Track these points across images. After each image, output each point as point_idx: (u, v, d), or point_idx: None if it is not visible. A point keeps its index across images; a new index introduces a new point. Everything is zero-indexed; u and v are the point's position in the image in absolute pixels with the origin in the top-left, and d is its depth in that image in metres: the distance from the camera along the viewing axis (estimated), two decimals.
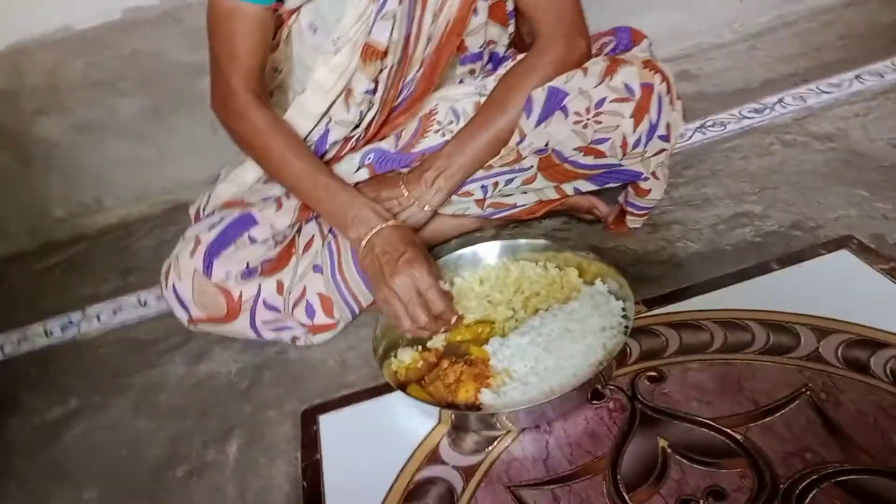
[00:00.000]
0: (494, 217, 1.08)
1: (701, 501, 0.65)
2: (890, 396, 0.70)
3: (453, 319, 0.87)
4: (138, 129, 1.47)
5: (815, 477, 0.64)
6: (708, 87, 1.46)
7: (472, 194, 1.03)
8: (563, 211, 1.10)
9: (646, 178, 0.98)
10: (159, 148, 1.50)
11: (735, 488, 0.65)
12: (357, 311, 1.01)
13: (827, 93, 1.30)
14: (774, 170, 1.11)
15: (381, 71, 0.94)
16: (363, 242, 0.89)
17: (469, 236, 1.14)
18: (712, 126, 1.28)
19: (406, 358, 0.89)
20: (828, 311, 0.82)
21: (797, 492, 0.63)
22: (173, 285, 0.89)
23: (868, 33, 1.50)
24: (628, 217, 1.04)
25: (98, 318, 1.21)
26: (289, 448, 0.83)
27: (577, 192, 1.02)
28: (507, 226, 1.14)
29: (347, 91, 0.94)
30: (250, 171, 1.01)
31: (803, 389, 0.73)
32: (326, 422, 0.86)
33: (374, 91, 0.95)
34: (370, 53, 0.91)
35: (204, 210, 1.02)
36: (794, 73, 1.41)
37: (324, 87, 0.94)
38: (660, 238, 1.02)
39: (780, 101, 1.31)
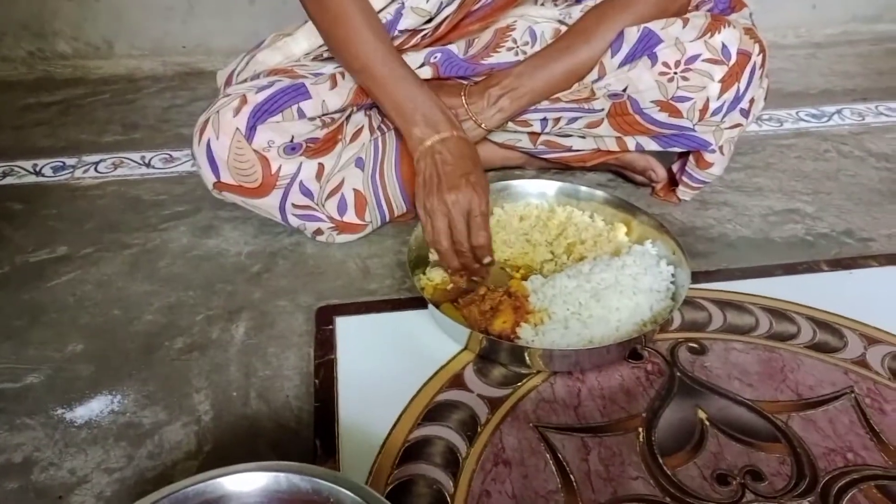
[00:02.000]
0: (543, 157, 1.03)
1: (738, 479, 0.62)
2: None
3: (486, 259, 0.81)
4: None
5: (855, 476, 0.62)
6: None
7: (530, 125, 0.97)
8: (613, 166, 1.05)
9: (713, 150, 0.94)
10: (189, 2, 1.37)
11: (773, 472, 0.63)
12: (387, 218, 0.95)
13: (886, 115, 1.28)
14: (829, 175, 1.09)
15: None
16: (426, 143, 0.81)
17: (507, 172, 1.09)
18: (768, 120, 1.25)
19: (436, 277, 0.84)
20: (874, 321, 0.80)
21: (837, 488, 0.61)
22: (208, 142, 0.80)
23: None
24: (680, 188, 1.01)
25: (96, 168, 1.11)
26: (300, 342, 0.77)
27: (639, 148, 0.97)
28: (549, 171, 1.09)
29: None
30: (302, 42, 0.92)
31: (848, 390, 0.71)
32: (343, 324, 0.80)
33: None
34: None
35: (238, 75, 0.93)
36: (853, 89, 1.38)
37: None
38: (709, 216, 0.99)
39: (839, 112, 1.28)
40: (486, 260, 0.81)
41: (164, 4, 1.37)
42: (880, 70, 1.47)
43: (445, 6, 0.90)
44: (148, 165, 1.12)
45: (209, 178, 0.83)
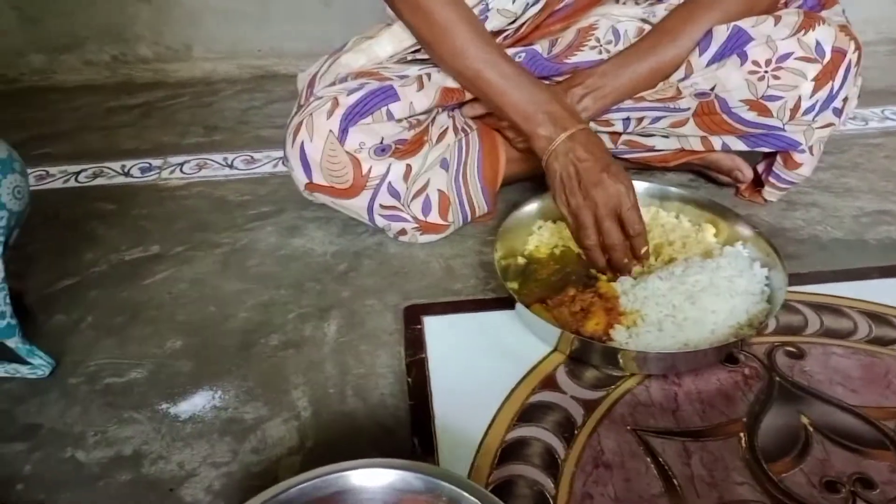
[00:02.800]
0: (624, 156, 1.02)
1: (848, 486, 0.61)
2: None
3: (643, 250, 0.81)
4: None
5: None
6: None
7: (612, 125, 0.96)
8: (696, 166, 1.04)
9: (802, 150, 0.92)
10: (263, 6, 1.41)
11: (885, 481, 0.61)
12: (469, 218, 0.95)
13: None
14: None
15: None
16: (555, 142, 0.80)
17: None
18: (853, 119, 1.22)
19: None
20: None
21: None
22: (302, 143, 0.82)
23: None
24: (767, 188, 0.98)
25: (181, 169, 1.15)
26: (391, 341, 0.78)
27: (725, 148, 0.95)
28: (629, 171, 1.07)
29: None
30: (386, 46, 0.93)
31: None
32: (431, 323, 0.81)
33: None
34: None
35: (321, 78, 0.95)
36: None
37: None
38: (798, 217, 0.97)
39: None
40: (644, 250, 0.81)
41: (239, 9, 1.40)
42: None
43: (531, 6, 0.90)
44: (231, 166, 1.15)
45: (301, 179, 0.85)
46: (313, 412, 0.70)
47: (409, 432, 0.67)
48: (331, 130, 0.81)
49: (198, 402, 0.73)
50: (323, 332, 0.80)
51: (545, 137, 0.81)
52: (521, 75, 0.83)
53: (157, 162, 1.17)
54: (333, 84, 0.89)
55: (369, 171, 0.83)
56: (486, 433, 0.67)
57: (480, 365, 0.75)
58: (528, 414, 0.69)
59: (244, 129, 1.27)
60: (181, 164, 1.16)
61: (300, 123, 0.83)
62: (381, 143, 0.83)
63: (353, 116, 0.81)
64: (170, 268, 0.92)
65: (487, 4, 0.89)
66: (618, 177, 0.78)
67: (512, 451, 0.65)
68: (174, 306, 0.85)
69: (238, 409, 0.71)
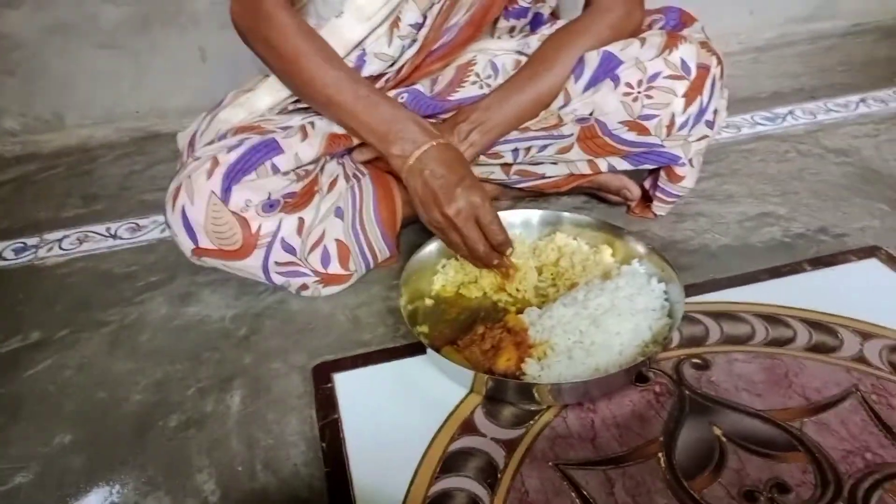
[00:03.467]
0: (518, 186, 1.03)
1: (765, 493, 0.62)
2: None
3: (509, 251, 0.84)
4: (118, 40, 1.32)
5: (878, 477, 0.63)
6: None
7: (502, 157, 0.97)
8: (586, 189, 1.06)
9: (683, 164, 0.95)
10: (138, 66, 1.35)
11: (798, 483, 0.63)
12: (371, 265, 0.93)
13: (835, 111, 1.32)
14: (794, 176, 1.11)
15: (431, 6, 0.86)
16: (409, 161, 0.80)
17: None
18: (727, 128, 1.28)
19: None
20: (864, 316, 0.81)
21: (863, 490, 0.61)
22: (183, 208, 0.78)
23: (867, 63, 1.54)
24: (655, 203, 1.02)
25: (60, 245, 1.07)
26: (300, 404, 0.75)
27: (611, 169, 0.98)
28: (524, 199, 1.09)
29: (394, 21, 0.86)
30: (265, 97, 0.90)
31: (853, 389, 0.72)
32: (342, 380, 0.78)
33: (421, 26, 0.88)
34: None
35: (201, 136, 0.91)
36: (800, 88, 1.43)
37: (365, 13, 0.86)
38: (687, 228, 1.00)
39: (791, 112, 1.33)
40: (509, 251, 0.84)
41: (112, 71, 1.34)
42: (822, 67, 1.53)
43: (407, 49, 0.90)
44: (114, 237, 1.08)
45: (187, 244, 0.80)
46: (222, 495, 0.66)
47: (326, 502, 0.64)
48: (212, 191, 0.77)
49: (93, 501, 0.66)
50: (226, 406, 0.75)
51: (399, 157, 0.82)
52: (374, 95, 0.83)
53: (32, 241, 1.08)
54: (213, 142, 0.85)
55: (259, 229, 0.80)
56: (408, 491, 0.65)
57: (397, 417, 0.73)
58: (450, 463, 0.67)
59: (127, 195, 1.20)
60: (59, 240, 1.08)
61: (178, 187, 0.78)
62: (269, 198, 0.80)
63: (235, 174, 0.78)
64: (53, 354, 0.85)
65: (364, 49, 0.89)
66: (471, 190, 0.79)
67: None
68: (60, 397, 0.78)
69: (139, 503, 0.66)
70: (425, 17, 0.87)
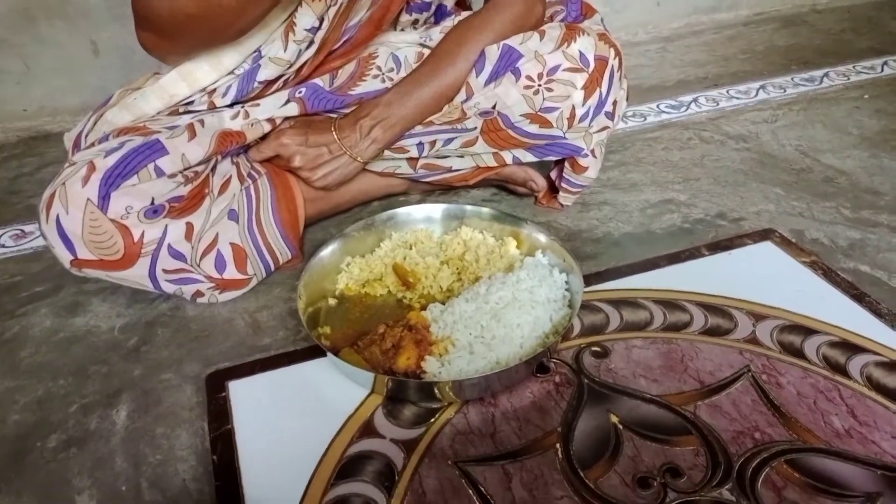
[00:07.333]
0: (425, 180, 1.01)
1: (658, 479, 0.62)
2: (825, 380, 0.72)
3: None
4: (1, 34, 1.24)
5: (765, 455, 0.64)
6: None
7: (407, 151, 0.95)
8: (494, 181, 1.05)
9: (585, 155, 0.96)
10: (25, 62, 1.26)
11: (690, 466, 0.63)
12: (272, 267, 0.90)
13: (736, 98, 1.36)
14: (696, 162, 1.14)
15: (328, 8, 0.84)
16: None
17: (392, 201, 1.07)
18: (633, 116, 1.30)
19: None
20: (757, 298, 0.83)
21: (750, 470, 0.63)
22: (57, 218, 0.73)
23: (767, 51, 1.59)
24: (561, 194, 1.02)
25: None
26: (192, 416, 0.71)
27: (517, 161, 0.97)
28: (433, 192, 1.08)
29: (288, 26, 0.83)
30: (154, 101, 0.85)
31: (745, 370, 0.74)
32: (237, 388, 0.75)
33: (318, 29, 0.85)
34: None
35: (87, 137, 0.86)
36: (704, 77, 1.47)
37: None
38: (592, 217, 1.01)
39: (695, 100, 1.36)
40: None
41: None
42: (725, 56, 1.57)
43: (304, 51, 0.87)
44: None
45: (65, 256, 0.75)
46: None
47: None
48: (88, 199, 0.72)
49: None
50: (111, 422, 0.71)
51: None
52: None
53: None
54: (93, 145, 0.80)
55: (142, 236, 0.75)
56: (302, 500, 0.62)
57: (294, 424, 0.70)
58: (347, 468, 0.65)
59: (13, 199, 1.13)
60: None
61: (52, 195, 0.73)
62: (153, 203, 0.76)
63: (113, 179, 0.73)
64: None
65: (260, 53, 0.85)
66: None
67: None
68: None
69: None
70: (322, 20, 0.84)
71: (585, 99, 0.89)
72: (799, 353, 0.75)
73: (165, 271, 0.79)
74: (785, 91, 1.38)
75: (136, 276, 0.78)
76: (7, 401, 0.74)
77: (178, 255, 0.79)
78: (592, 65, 0.89)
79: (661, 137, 1.22)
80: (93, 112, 0.88)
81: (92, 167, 0.74)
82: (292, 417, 0.71)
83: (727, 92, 1.38)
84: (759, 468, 0.63)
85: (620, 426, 0.68)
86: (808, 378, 0.72)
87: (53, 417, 0.72)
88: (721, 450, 0.65)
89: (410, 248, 0.91)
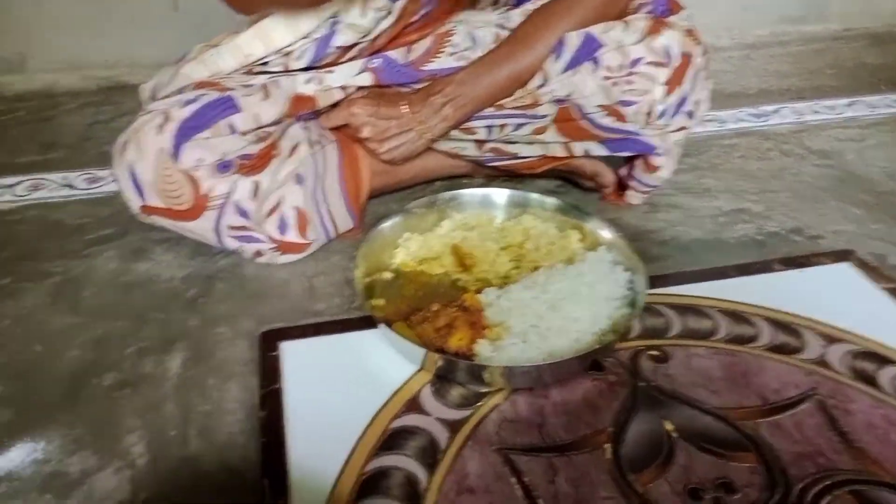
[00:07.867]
0: (490, 164, 1.00)
1: (710, 492, 0.60)
2: None
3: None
4: None
5: (829, 483, 0.61)
6: None
7: (476, 133, 0.94)
8: (561, 172, 1.03)
9: (659, 154, 0.93)
10: (107, 12, 1.29)
11: (745, 483, 0.61)
12: (333, 235, 0.90)
13: (821, 113, 1.30)
14: (774, 174, 1.09)
15: None
16: None
17: (455, 181, 1.05)
18: (711, 121, 1.26)
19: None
20: (830, 319, 0.79)
21: (811, 495, 0.60)
22: (130, 164, 0.74)
23: (856, 68, 1.52)
24: (630, 192, 0.99)
25: (13, 191, 1.02)
26: (244, 371, 0.72)
27: (587, 154, 0.95)
28: (497, 178, 1.06)
29: None
30: (228, 60, 0.85)
31: (811, 392, 0.70)
32: (288, 349, 0.75)
33: None
34: None
35: (163, 90, 0.86)
36: (788, 88, 1.41)
37: None
38: (660, 219, 0.98)
39: (777, 111, 1.30)
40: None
41: (79, 16, 1.28)
42: (811, 69, 1.51)
43: (383, 20, 0.86)
44: (70, 186, 1.04)
45: (134, 201, 0.76)
46: (150, 459, 0.63)
47: (259, 474, 0.61)
48: (162, 148, 0.73)
49: (14, 458, 0.63)
50: (165, 368, 0.72)
51: None
52: None
53: None
54: (169, 97, 0.81)
55: (210, 189, 0.76)
56: (344, 467, 0.62)
57: (342, 391, 0.70)
58: (390, 441, 0.64)
59: (87, 145, 1.16)
60: (13, 186, 1.04)
61: (126, 141, 0.74)
62: (223, 159, 0.76)
63: (187, 131, 0.74)
64: None
65: (338, 19, 0.85)
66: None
67: (371, 485, 0.60)
68: None
69: (62, 462, 0.62)
70: None
71: (666, 95, 0.86)
72: (871, 382, 0.71)
73: (230, 227, 0.80)
74: (874, 110, 1.31)
75: (200, 228, 0.79)
76: (67, 337, 0.76)
77: (243, 213, 0.80)
78: (678, 61, 0.85)
79: (739, 145, 1.18)
80: (170, 65, 0.89)
81: (167, 116, 0.75)
82: (340, 384, 0.71)
83: (812, 106, 1.33)
84: (821, 494, 0.60)
85: (675, 434, 0.65)
86: (879, 408, 0.68)
87: (110, 357, 0.73)
88: (780, 470, 0.62)
89: (471, 230, 0.90)
